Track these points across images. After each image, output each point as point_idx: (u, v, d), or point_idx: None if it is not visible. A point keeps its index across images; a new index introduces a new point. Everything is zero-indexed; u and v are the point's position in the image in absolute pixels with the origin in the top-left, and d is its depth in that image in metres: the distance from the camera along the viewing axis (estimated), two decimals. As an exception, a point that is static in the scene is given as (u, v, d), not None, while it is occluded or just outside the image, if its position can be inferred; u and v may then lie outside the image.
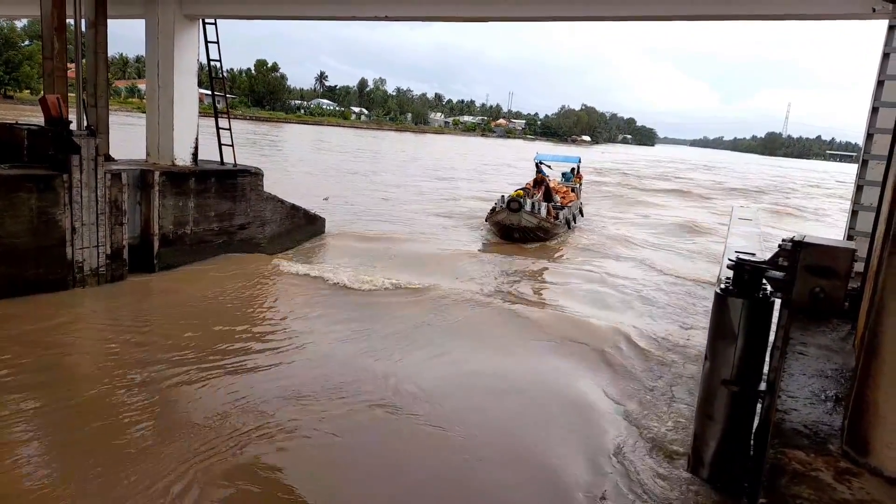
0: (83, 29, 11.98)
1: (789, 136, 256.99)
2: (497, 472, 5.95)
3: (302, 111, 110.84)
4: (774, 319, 5.58)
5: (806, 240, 5.14)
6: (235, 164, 13.32)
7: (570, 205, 20.78)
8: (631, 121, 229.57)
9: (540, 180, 18.75)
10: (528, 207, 17.03)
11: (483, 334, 9.64)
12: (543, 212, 17.47)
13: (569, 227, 19.06)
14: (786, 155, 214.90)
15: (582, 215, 22.63)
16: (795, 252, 5.13)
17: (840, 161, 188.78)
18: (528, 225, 16.86)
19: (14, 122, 11.27)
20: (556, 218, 18.15)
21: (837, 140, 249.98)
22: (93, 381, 7.19)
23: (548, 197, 18.42)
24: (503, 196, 17.39)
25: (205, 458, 5.75)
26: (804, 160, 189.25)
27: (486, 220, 17.80)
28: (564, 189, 22.47)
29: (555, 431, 6.79)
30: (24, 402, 6.53)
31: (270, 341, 8.83)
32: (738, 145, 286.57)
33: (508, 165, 48.59)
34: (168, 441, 6.00)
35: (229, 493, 5.35)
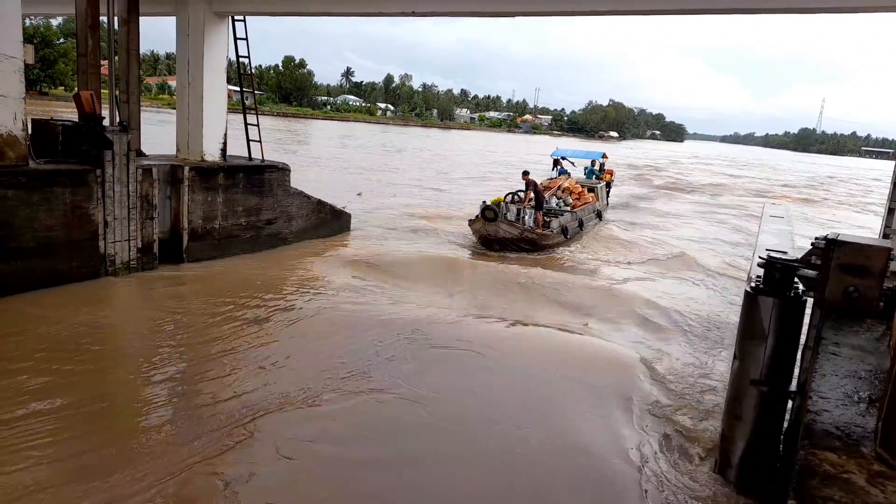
0: (116, 27, 12.21)
1: (823, 132, 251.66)
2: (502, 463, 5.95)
3: (328, 107, 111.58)
4: (806, 319, 5.47)
5: (840, 238, 5.03)
6: (263, 160, 13.47)
7: (579, 209, 18.43)
8: (659, 116, 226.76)
9: (529, 182, 16.13)
10: (511, 216, 15.19)
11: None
12: (529, 221, 15.43)
13: (565, 237, 16.51)
14: (819, 151, 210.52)
15: (600, 219, 20.24)
16: (829, 250, 5.02)
17: (876, 158, 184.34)
18: (506, 236, 14.72)
19: (49, 118, 11.54)
20: (547, 227, 15.85)
21: (873, 136, 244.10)
22: (125, 361, 7.42)
23: (538, 203, 15.90)
24: (484, 202, 15.06)
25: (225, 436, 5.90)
26: (838, 157, 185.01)
27: (468, 225, 15.50)
28: (580, 190, 19.90)
29: (576, 425, 6.75)
30: (59, 381, 6.75)
31: (299, 328, 9.04)
32: (769, 141, 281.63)
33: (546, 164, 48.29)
34: (192, 425, 6.14)
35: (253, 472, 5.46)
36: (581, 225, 18.06)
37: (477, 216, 14.85)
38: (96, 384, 6.88)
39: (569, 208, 18.20)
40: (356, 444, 6.10)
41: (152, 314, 9.23)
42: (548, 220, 16.17)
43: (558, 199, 18.66)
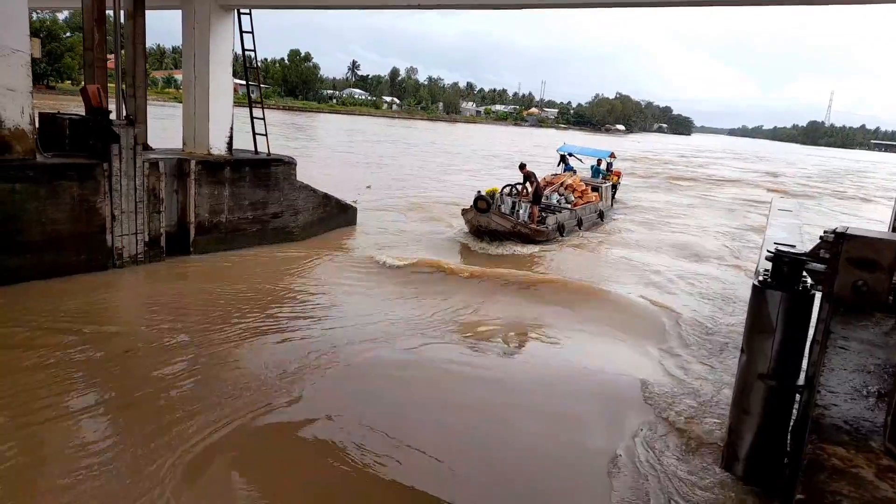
0: (122, 20, 12.22)
1: (832, 125, 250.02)
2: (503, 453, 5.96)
3: (334, 101, 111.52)
4: (814, 313, 5.44)
5: (849, 231, 4.98)
6: (269, 154, 13.47)
7: (580, 208, 17.95)
8: (667, 109, 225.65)
9: (527, 175, 15.73)
10: (505, 208, 14.94)
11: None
12: (524, 215, 15.11)
13: (560, 235, 16.04)
14: (828, 144, 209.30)
15: (602, 220, 19.58)
16: (838, 244, 4.97)
17: (885, 151, 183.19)
18: (497, 228, 14.43)
19: (56, 112, 11.57)
20: (542, 222, 15.48)
21: (882, 129, 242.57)
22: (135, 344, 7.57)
23: (536, 197, 15.56)
24: (479, 192, 14.79)
25: (237, 418, 6.10)
26: (847, 150, 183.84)
27: (462, 214, 15.18)
28: (583, 188, 19.32)
29: (579, 419, 6.76)
30: (73, 362, 6.93)
31: (302, 314, 9.25)
32: (778, 134, 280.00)
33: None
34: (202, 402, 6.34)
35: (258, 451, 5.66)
36: (580, 224, 17.57)
37: (471, 206, 14.54)
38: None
39: (569, 206, 17.74)
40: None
41: (177, 291, 9.51)
42: (544, 215, 15.86)
43: (560, 195, 18.26)
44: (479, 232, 14.77)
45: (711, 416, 6.89)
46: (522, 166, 16.16)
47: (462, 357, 8.25)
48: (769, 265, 5.42)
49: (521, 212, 15.06)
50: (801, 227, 8.11)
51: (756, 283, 5.43)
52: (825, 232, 5.30)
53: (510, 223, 14.51)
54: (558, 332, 9.53)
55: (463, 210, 15.02)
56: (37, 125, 10.07)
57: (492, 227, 14.42)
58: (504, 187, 16.30)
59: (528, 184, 15.78)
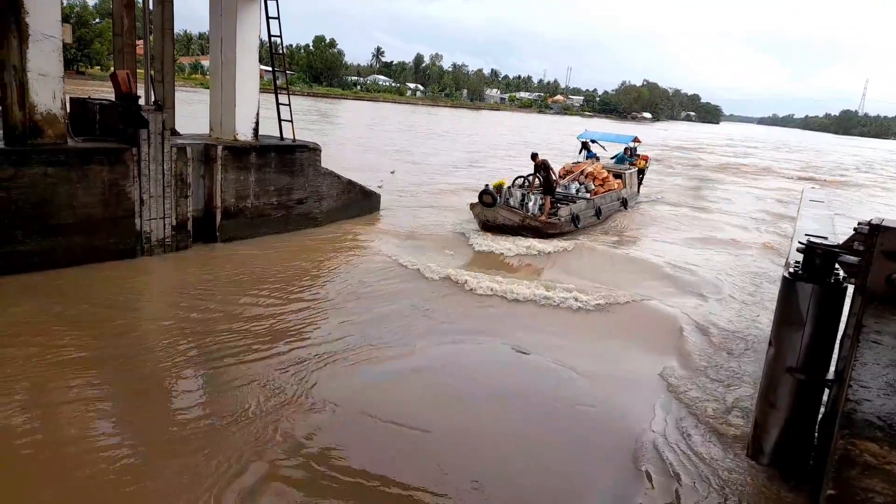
0: (151, 6, 12.34)
1: (866, 114, 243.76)
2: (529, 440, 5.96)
3: (358, 87, 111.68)
4: (846, 306, 5.32)
5: (884, 223, 4.86)
6: (294, 140, 13.54)
7: (599, 196, 17.25)
8: (695, 97, 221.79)
9: (540, 164, 14.98)
10: (514, 201, 14.49)
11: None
12: (535, 207, 14.54)
13: (575, 226, 15.31)
14: (861, 134, 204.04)
15: (625, 207, 18.95)
16: (872, 236, 4.86)
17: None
18: (506, 223, 14.09)
19: (87, 97, 11.74)
20: (555, 214, 14.81)
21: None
22: (157, 340, 7.62)
23: (549, 188, 14.85)
24: (486, 186, 14.38)
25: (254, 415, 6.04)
26: (882, 140, 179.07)
27: (470, 209, 14.75)
28: (605, 175, 18.58)
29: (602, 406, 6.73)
30: (94, 358, 6.95)
31: (324, 309, 9.18)
32: (809, 123, 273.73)
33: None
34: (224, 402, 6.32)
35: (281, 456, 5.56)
36: (598, 213, 16.75)
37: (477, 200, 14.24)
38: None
39: (587, 195, 17.02)
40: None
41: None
42: (557, 206, 15.22)
43: (581, 184, 17.66)
44: (487, 226, 14.42)
45: (736, 408, 6.81)
46: (534, 156, 15.48)
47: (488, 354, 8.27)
48: (800, 257, 5.32)
49: (530, 204, 14.60)
50: (833, 218, 7.93)
51: (786, 274, 5.33)
52: (859, 223, 5.18)
53: (518, 217, 14.12)
54: (570, 334, 9.46)
55: (471, 204, 14.65)
56: (68, 110, 10.24)
57: (499, 221, 14.10)
58: (515, 179, 15.92)
59: (538, 174, 15.25)
